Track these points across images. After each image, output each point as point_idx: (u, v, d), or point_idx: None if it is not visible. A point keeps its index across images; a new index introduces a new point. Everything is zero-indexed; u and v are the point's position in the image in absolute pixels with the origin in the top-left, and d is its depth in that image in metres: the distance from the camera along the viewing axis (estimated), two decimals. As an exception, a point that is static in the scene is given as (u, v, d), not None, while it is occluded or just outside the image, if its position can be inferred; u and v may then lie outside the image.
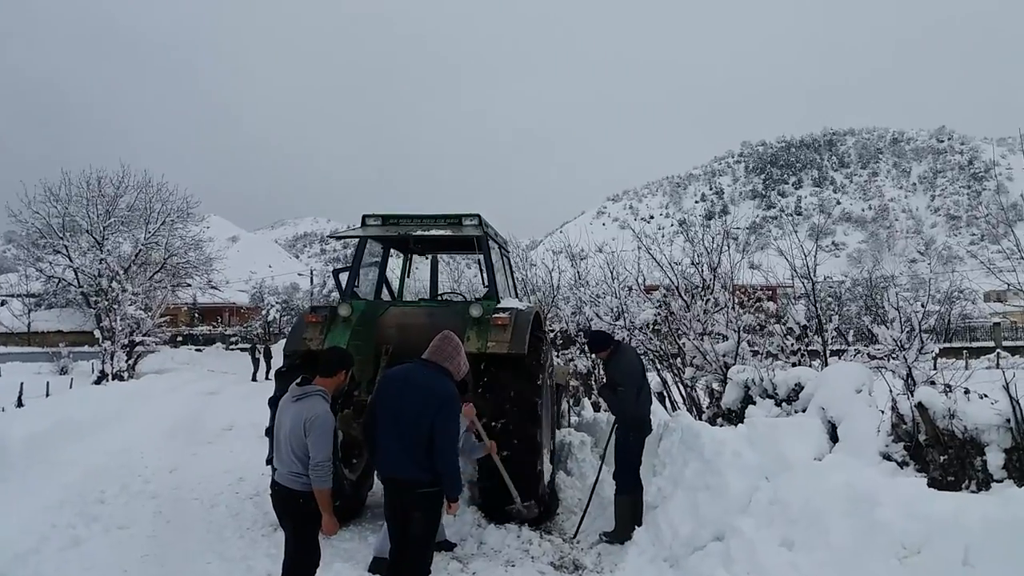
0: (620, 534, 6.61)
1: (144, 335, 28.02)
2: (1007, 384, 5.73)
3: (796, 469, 5.13)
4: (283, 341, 39.65)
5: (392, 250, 9.72)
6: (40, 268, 33.44)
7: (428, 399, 4.56)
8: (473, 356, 6.53)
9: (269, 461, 7.09)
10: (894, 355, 8.13)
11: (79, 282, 32.77)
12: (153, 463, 10.23)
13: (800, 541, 4.61)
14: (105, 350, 26.20)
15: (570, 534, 7.04)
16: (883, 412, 6.70)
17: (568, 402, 12.00)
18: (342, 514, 5.05)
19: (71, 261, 32.01)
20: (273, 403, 7.09)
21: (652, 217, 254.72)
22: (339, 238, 8.78)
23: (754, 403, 8.32)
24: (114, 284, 28.08)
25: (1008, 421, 5.68)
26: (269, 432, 7.10)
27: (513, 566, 6.12)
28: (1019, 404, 5.64)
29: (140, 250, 32.10)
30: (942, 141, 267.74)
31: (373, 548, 6.06)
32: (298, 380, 4.74)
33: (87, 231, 31.86)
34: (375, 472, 5.25)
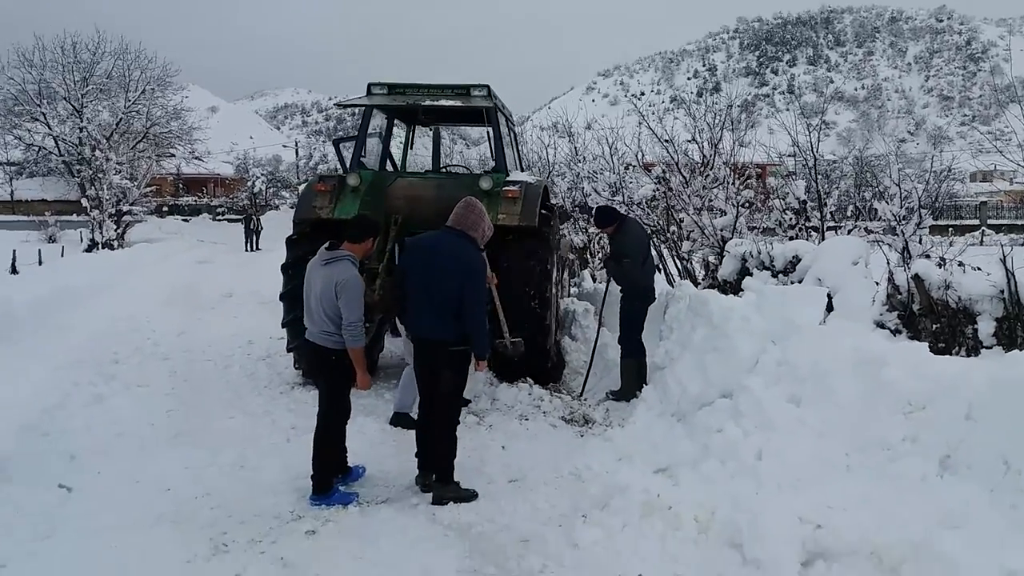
0: (626, 393, 6.93)
1: (131, 205, 27.82)
2: (1004, 257, 5.93)
3: (803, 332, 5.31)
4: (272, 212, 39.57)
5: (396, 120, 9.55)
6: (19, 136, 32.70)
7: (456, 265, 4.69)
8: None
9: (285, 324, 7.30)
10: (892, 229, 8.30)
11: (60, 150, 32.17)
12: (159, 327, 10.39)
13: (807, 398, 4.83)
14: (94, 219, 26.03)
15: (577, 392, 7.37)
16: (878, 284, 6.92)
17: (568, 275, 12.20)
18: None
19: (50, 129, 31.30)
20: (286, 269, 7.21)
21: (643, 94, 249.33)
22: (346, 106, 8.61)
23: (750, 275, 8.51)
24: (97, 153, 27.57)
25: (1001, 292, 5.92)
26: (284, 296, 7.25)
27: (526, 419, 6.43)
28: (1014, 276, 5.86)
29: (121, 119, 31.37)
30: (941, 20, 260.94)
31: (394, 404, 6.33)
32: (327, 245, 4.83)
33: (64, 98, 31.01)
34: (404, 332, 5.43)
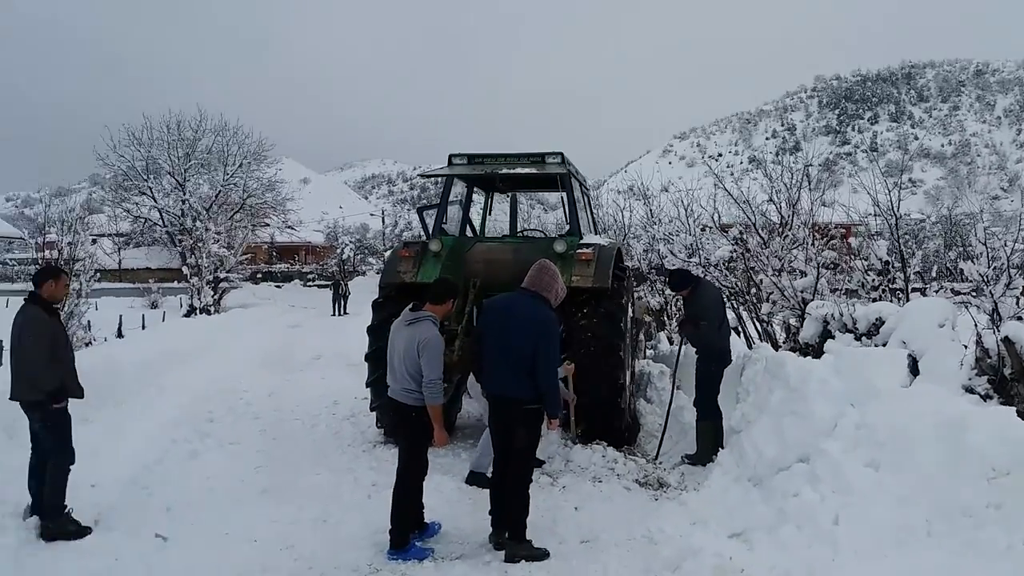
0: (702, 457, 6.88)
1: (228, 272, 29.23)
2: (1101, 318, 5.70)
3: (883, 396, 5.23)
4: (359, 278, 40.72)
5: (475, 188, 9.95)
6: (127, 208, 34.99)
7: (530, 325, 4.89)
8: None
9: (369, 384, 7.60)
10: (979, 290, 8.05)
11: (164, 221, 34.25)
12: (252, 388, 10.90)
13: (887, 462, 4.74)
14: (193, 285, 27.47)
15: (652, 455, 7.35)
16: (966, 347, 6.70)
17: (643, 337, 12.20)
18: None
19: (155, 202, 33.41)
20: (372, 331, 7.54)
21: (720, 155, 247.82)
22: (428, 176, 9.07)
23: (832, 338, 8.36)
24: (198, 223, 29.28)
25: (1097, 356, 5.68)
26: (368, 357, 7.57)
27: (600, 481, 6.46)
28: (1110, 341, 5.61)
29: (219, 191, 33.35)
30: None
31: (470, 463, 6.49)
32: (410, 307, 5.11)
33: (169, 173, 33.15)
34: (481, 391, 5.64)
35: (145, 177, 33.22)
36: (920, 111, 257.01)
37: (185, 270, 28.50)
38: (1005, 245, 8.55)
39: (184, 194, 32.33)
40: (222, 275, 28.78)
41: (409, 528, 4.93)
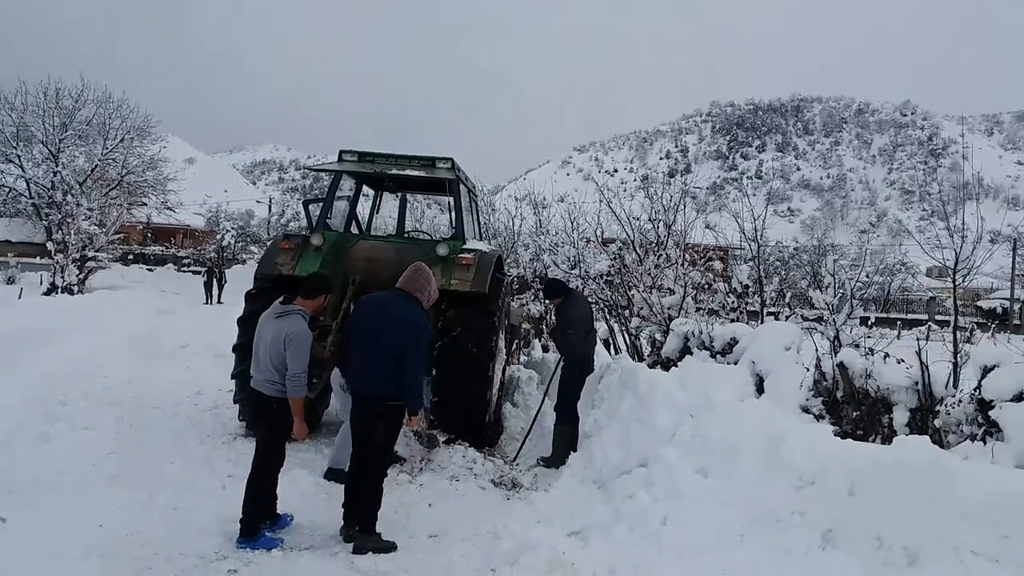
0: (556, 460, 7.22)
1: (96, 251, 27.79)
2: (919, 350, 6.38)
3: (718, 409, 5.70)
4: (237, 266, 39.43)
5: (364, 186, 9.99)
6: (-9, 175, 32.68)
7: (401, 325, 5.05)
8: None
9: (235, 375, 7.52)
10: (823, 319, 8.77)
11: (31, 193, 32.15)
12: (111, 373, 10.49)
13: (715, 470, 5.19)
14: (57, 263, 25.97)
15: (511, 457, 7.64)
16: (808, 369, 7.32)
17: (519, 342, 12.55)
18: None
19: (23, 171, 31.33)
20: (242, 322, 7.47)
21: (616, 171, 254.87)
22: (317, 171, 9.06)
23: (691, 354, 8.92)
24: (68, 198, 27.66)
25: (916, 384, 6.34)
26: (236, 348, 7.50)
27: (457, 480, 6.69)
28: (927, 369, 6.29)
29: (96, 165, 31.57)
30: (905, 115, 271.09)
31: (328, 459, 6.57)
32: (280, 299, 5.17)
33: (42, 142, 31.12)
34: (343, 386, 5.75)
35: (14, 144, 31.03)
36: (804, 143, 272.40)
37: (50, 246, 26.91)
38: (850, 278, 9.37)
39: (57, 166, 30.41)
40: (90, 254, 27.34)
41: (260, 518, 4.99)
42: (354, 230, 9.56)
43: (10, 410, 7.64)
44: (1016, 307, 44.03)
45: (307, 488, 5.99)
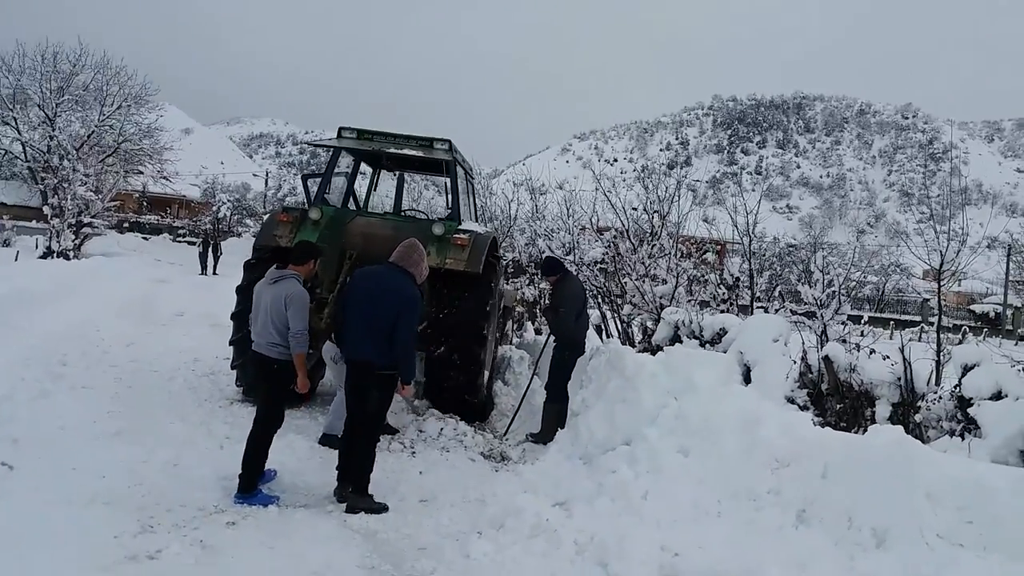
0: (544, 436, 7.43)
1: (92, 217, 27.84)
2: (902, 347, 6.59)
3: (700, 392, 5.92)
4: (232, 238, 39.43)
5: (362, 164, 10.12)
6: (-16, 137, 32.66)
7: (394, 298, 5.24)
8: (431, 271, 7.14)
9: (233, 342, 7.70)
10: (812, 313, 8.97)
11: (27, 156, 32.12)
12: (109, 336, 10.63)
13: (695, 449, 5.41)
14: (53, 227, 26.02)
15: (500, 432, 7.85)
16: (795, 362, 7.53)
17: (512, 325, 12.74)
18: (296, 396, 5.77)
19: (19, 134, 31.31)
20: (241, 290, 7.64)
21: (616, 160, 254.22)
22: (315, 145, 9.18)
23: (681, 342, 9.11)
24: (65, 163, 27.69)
25: (899, 379, 6.55)
26: (235, 316, 7.66)
27: (448, 451, 6.92)
28: (910, 365, 6.51)
29: (93, 131, 31.57)
30: (907, 118, 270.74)
31: (324, 426, 6.77)
32: (275, 266, 5.38)
33: (38, 105, 31.16)
34: (334, 358, 5.95)
35: (11, 106, 31.02)
36: (805, 141, 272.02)
37: (46, 210, 26.96)
38: (839, 275, 9.56)
39: (53, 130, 30.44)
40: (86, 219, 27.39)
41: (258, 475, 5.20)
42: (351, 206, 9.70)
43: (11, 367, 7.79)
44: (1008, 312, 44.39)
45: (303, 452, 6.19)
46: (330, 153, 8.84)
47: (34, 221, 30.84)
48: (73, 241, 26.59)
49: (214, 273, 28.87)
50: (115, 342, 10.31)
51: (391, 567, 4.27)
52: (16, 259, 21.05)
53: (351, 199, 9.86)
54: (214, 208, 46.84)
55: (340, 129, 8.65)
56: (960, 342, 7.53)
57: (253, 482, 5.12)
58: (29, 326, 10.16)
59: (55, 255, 25.15)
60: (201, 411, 7.28)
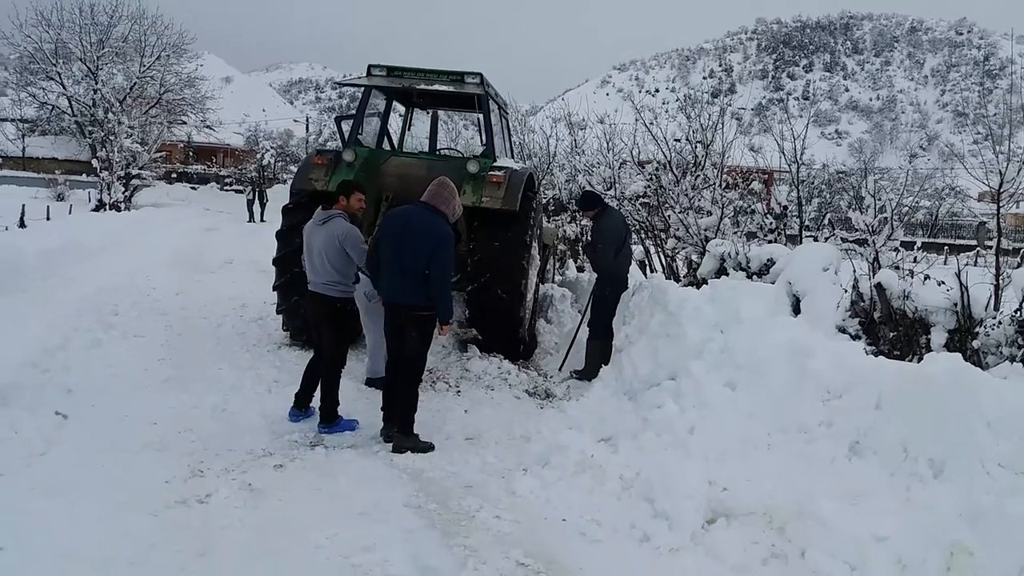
0: (588, 373, 7.38)
1: (140, 168, 28.25)
2: (959, 272, 6.32)
3: (746, 324, 5.76)
4: (278, 185, 39.75)
5: (394, 103, 9.96)
6: (33, 93, 33.11)
7: (426, 237, 5.17)
8: (467, 209, 7.05)
9: (277, 287, 7.76)
10: (864, 241, 8.67)
11: (73, 111, 32.58)
12: (160, 285, 10.86)
13: (742, 383, 5.29)
14: (103, 180, 26.49)
15: (544, 370, 7.85)
16: (846, 290, 7.31)
17: (554, 262, 12.64)
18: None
19: (64, 89, 31.71)
20: (281, 236, 7.66)
21: (658, 90, 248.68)
22: (344, 85, 9.08)
23: (727, 275, 8.91)
24: (110, 116, 28.03)
25: (955, 305, 6.30)
26: (277, 261, 7.70)
27: (492, 390, 6.95)
28: (967, 290, 6.24)
29: (135, 83, 31.83)
30: (961, 34, 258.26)
31: (366, 370, 6.84)
32: (320, 207, 5.51)
33: (80, 59, 31.43)
34: (367, 294, 6.01)
35: (54, 61, 31.36)
36: (853, 63, 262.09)
37: (95, 163, 27.45)
38: (890, 199, 9.20)
39: (96, 83, 30.76)
40: (134, 171, 27.82)
41: (336, 405, 5.45)
42: (386, 146, 9.60)
43: (65, 318, 8.02)
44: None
45: (349, 394, 6.22)
46: (362, 93, 8.71)
47: (85, 175, 31.43)
48: (123, 193, 27.05)
49: (261, 220, 29.17)
50: (165, 291, 10.52)
51: (437, 505, 4.30)
52: (70, 212, 21.52)
53: (386, 139, 9.76)
54: (258, 156, 47.15)
55: (370, 67, 8.49)
56: (1020, 265, 7.19)
57: (334, 412, 5.39)
58: (82, 278, 10.44)
59: (107, 208, 25.64)
60: (249, 355, 7.40)
